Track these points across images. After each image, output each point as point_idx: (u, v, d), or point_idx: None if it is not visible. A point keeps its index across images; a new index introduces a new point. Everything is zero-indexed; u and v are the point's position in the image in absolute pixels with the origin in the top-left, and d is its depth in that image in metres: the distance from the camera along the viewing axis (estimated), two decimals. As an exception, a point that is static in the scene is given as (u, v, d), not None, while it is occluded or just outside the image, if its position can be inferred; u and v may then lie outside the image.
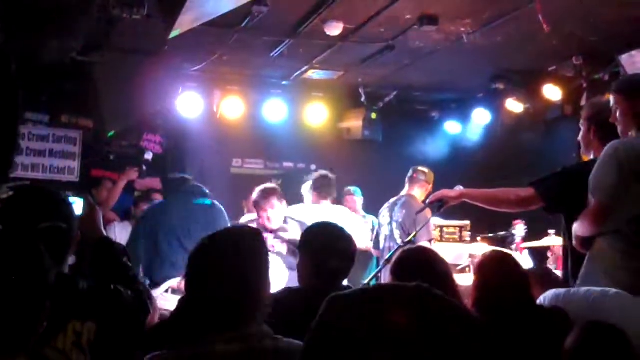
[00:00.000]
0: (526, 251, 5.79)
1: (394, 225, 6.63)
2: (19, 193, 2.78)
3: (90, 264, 2.82)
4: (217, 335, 2.31)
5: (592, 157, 4.26)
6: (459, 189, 4.41)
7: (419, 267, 3.04)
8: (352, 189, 8.07)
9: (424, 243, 5.89)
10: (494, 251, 3.85)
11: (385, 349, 1.18)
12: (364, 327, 1.23)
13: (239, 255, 2.39)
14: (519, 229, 5.76)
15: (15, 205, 2.71)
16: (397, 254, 3.32)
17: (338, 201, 7.22)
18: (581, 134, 4.31)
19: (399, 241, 6.26)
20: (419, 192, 6.72)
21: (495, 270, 3.22)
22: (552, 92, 7.84)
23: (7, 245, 2.03)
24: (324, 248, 3.34)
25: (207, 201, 5.57)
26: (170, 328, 2.82)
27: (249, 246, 2.44)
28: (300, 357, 1.31)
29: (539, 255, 6.26)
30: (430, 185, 6.72)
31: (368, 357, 1.19)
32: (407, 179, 6.85)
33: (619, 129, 3.68)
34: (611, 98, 3.73)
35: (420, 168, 6.85)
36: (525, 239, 6.58)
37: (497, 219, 6.10)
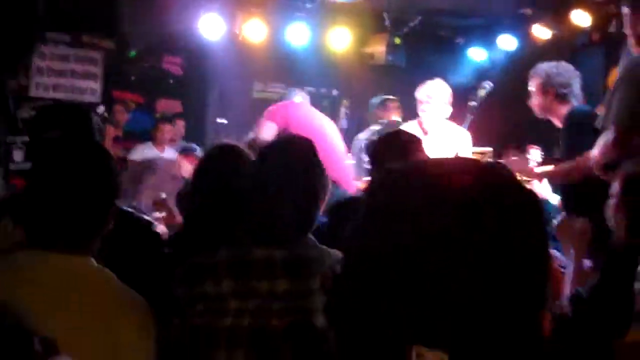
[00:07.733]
0: (545, 180, 5.63)
1: None
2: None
3: None
4: (257, 239, 2.24)
5: (556, 123, 4.33)
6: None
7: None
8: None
9: None
10: None
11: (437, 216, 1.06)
12: (417, 195, 1.09)
13: (291, 168, 2.30)
14: (535, 154, 5.53)
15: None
16: None
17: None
18: (536, 101, 4.40)
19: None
20: None
21: None
22: (581, 18, 7.64)
23: (76, 147, 2.07)
24: None
25: None
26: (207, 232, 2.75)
27: (303, 159, 2.33)
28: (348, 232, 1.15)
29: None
30: None
31: (421, 225, 1.07)
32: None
33: None
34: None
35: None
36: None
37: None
